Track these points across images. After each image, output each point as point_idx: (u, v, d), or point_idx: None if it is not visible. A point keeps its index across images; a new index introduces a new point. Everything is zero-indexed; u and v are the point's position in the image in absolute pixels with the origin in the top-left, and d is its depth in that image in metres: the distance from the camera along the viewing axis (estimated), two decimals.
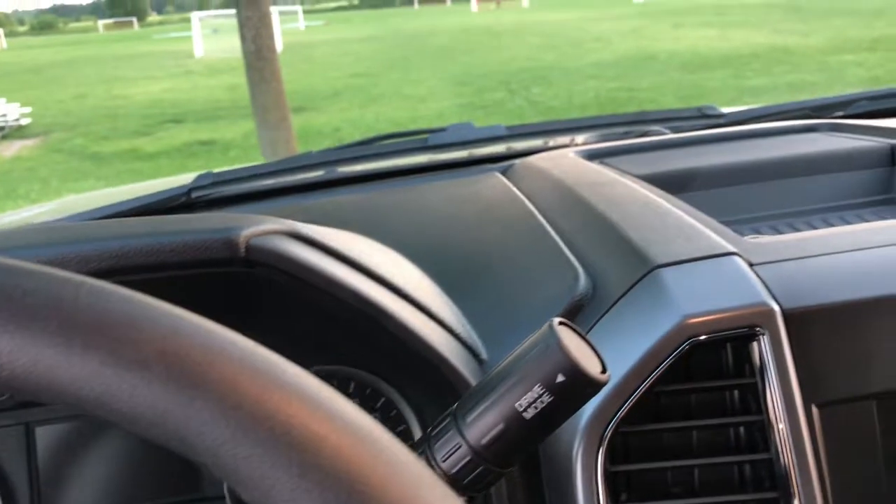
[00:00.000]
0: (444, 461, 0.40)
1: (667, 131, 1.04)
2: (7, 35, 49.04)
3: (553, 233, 0.68)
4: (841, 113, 1.11)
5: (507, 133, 1.07)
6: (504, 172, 0.92)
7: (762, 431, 0.49)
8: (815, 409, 0.49)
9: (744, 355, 0.50)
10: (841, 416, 0.49)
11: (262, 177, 1.02)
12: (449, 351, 0.52)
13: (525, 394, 0.38)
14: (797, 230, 0.77)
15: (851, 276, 0.53)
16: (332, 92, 10.99)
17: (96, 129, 9.56)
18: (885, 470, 0.49)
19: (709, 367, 0.51)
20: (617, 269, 0.58)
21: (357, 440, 0.25)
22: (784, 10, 20.17)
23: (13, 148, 8.92)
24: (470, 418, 0.40)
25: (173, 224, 0.50)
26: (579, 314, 0.57)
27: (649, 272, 0.54)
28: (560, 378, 0.38)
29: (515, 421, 0.39)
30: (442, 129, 1.09)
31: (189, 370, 0.24)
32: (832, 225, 0.78)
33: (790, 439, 0.48)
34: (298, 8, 39.31)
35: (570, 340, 0.39)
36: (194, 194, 0.97)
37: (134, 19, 74.22)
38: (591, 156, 0.90)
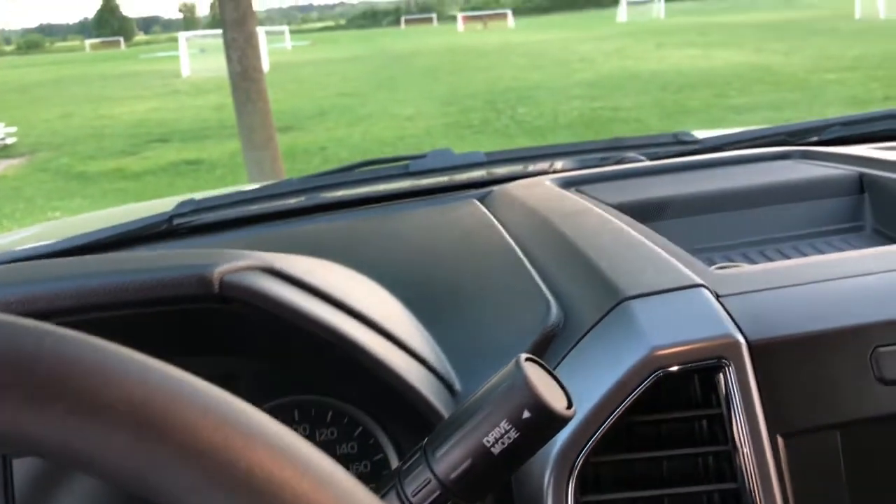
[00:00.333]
0: (414, 496, 0.41)
1: (643, 158, 1.05)
2: None
3: (527, 262, 0.70)
4: (815, 138, 1.13)
5: (486, 160, 1.08)
6: (482, 200, 0.94)
7: (730, 461, 0.50)
8: (780, 439, 0.50)
9: (711, 386, 0.51)
10: (806, 445, 0.50)
11: (244, 203, 1.03)
12: (421, 383, 0.53)
13: (492, 429, 0.39)
14: (768, 258, 0.79)
15: (816, 308, 0.54)
16: (319, 111, 11.03)
17: (82, 148, 9.54)
18: (850, 499, 0.50)
19: (678, 397, 0.52)
20: (587, 300, 0.59)
21: (319, 485, 0.26)
22: (766, 30, 20.50)
23: None
24: (439, 453, 0.41)
25: (149, 261, 0.51)
26: (550, 345, 0.58)
27: (618, 304, 0.56)
28: (526, 414, 0.39)
29: (483, 456, 0.39)
30: (422, 156, 1.10)
31: (153, 418, 0.25)
32: (803, 253, 0.79)
33: (756, 469, 0.49)
34: (285, 28, 39.50)
35: (537, 376, 0.40)
36: (176, 221, 0.98)
37: (121, 39, 74.27)
38: (567, 183, 0.91)
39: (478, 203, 0.92)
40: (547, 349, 0.57)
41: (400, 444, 0.65)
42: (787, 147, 1.02)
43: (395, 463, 0.65)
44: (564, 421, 0.39)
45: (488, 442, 0.39)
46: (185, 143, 9.35)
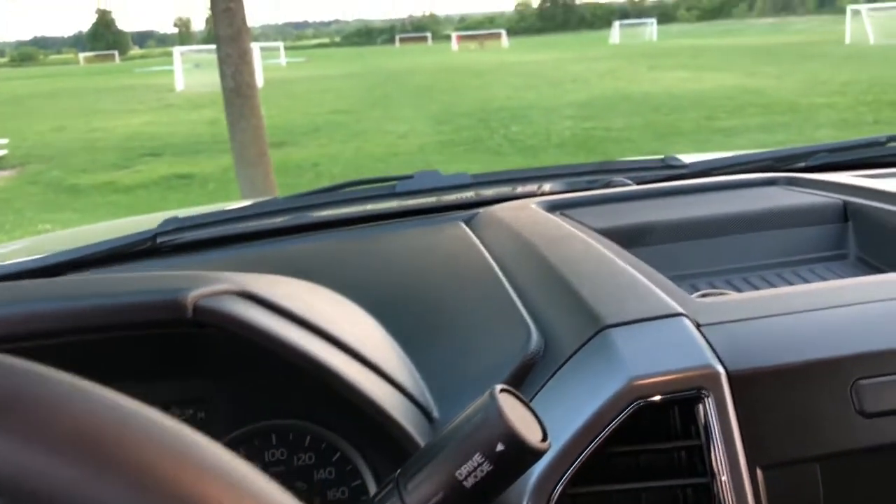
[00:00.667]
0: None
1: (630, 182, 1.05)
2: None
3: (509, 288, 0.69)
4: (802, 164, 1.14)
5: (473, 181, 1.08)
6: (468, 222, 0.93)
7: (709, 493, 0.49)
8: (759, 471, 0.49)
9: (690, 416, 0.51)
10: (785, 478, 0.50)
11: (229, 222, 1.02)
12: (397, 410, 0.52)
13: (465, 462, 0.39)
14: (752, 285, 0.79)
15: (796, 338, 0.54)
16: (313, 127, 11.05)
17: (74, 161, 9.51)
18: None
19: (657, 427, 0.52)
20: (568, 328, 0.59)
21: None
22: (757, 54, 20.73)
23: None
24: (411, 485, 0.40)
25: (123, 284, 0.50)
26: (530, 373, 0.57)
27: (599, 332, 0.55)
28: (500, 447, 0.38)
29: (455, 490, 0.39)
30: (409, 177, 1.10)
31: (103, 451, 0.24)
32: (787, 280, 0.79)
33: (735, 501, 0.48)
34: (280, 44, 39.67)
35: (511, 408, 0.39)
36: (159, 239, 0.97)
37: (115, 53, 74.34)
38: (553, 207, 0.91)
39: (463, 225, 0.92)
40: (527, 376, 0.57)
41: (378, 471, 0.64)
42: (772, 173, 1.02)
43: (373, 489, 0.65)
44: (539, 454, 0.39)
45: (460, 475, 0.39)
46: (177, 157, 9.33)
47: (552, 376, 0.55)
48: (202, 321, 0.47)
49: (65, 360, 0.34)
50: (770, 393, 0.51)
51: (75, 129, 12.76)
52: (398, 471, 0.42)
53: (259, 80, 5.74)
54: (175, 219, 1.01)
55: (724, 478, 0.48)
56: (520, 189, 1.10)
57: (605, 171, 1.13)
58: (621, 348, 0.53)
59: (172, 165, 8.79)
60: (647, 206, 0.90)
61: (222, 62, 5.03)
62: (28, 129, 12.80)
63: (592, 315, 0.57)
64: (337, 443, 0.65)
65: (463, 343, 0.64)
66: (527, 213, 0.87)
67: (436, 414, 0.57)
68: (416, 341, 0.65)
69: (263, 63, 20.94)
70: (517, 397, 0.41)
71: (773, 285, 0.79)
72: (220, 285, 0.48)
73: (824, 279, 0.79)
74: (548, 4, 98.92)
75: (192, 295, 0.47)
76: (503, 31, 50.20)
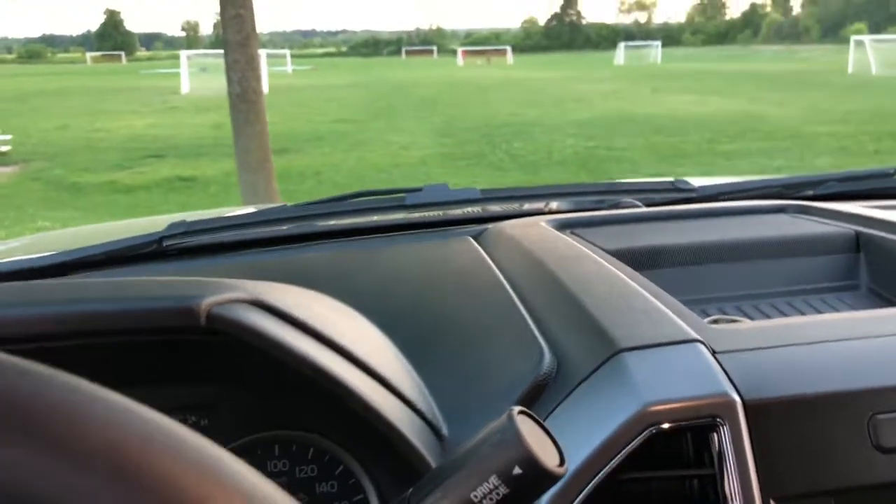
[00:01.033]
0: None
1: (639, 203, 1.05)
2: None
3: (521, 306, 0.68)
4: (810, 192, 1.13)
5: (481, 196, 1.07)
6: (476, 237, 0.93)
7: None
8: (772, 503, 0.49)
9: (704, 445, 0.50)
10: None
11: (236, 228, 1.02)
12: (407, 428, 0.52)
13: (480, 484, 0.38)
14: (763, 312, 0.78)
15: (814, 369, 0.53)
16: (316, 136, 11.07)
17: (77, 159, 9.50)
18: None
19: (670, 454, 0.51)
20: (581, 350, 0.58)
21: None
22: (760, 81, 20.84)
23: None
24: None
25: (137, 289, 0.50)
26: (542, 394, 0.56)
27: (613, 355, 0.55)
28: (517, 470, 0.37)
29: None
30: (418, 189, 1.09)
31: (129, 465, 0.23)
32: (797, 309, 0.79)
33: None
34: (287, 52, 39.81)
35: (529, 431, 0.39)
36: (166, 243, 0.96)
37: (122, 53, 74.61)
38: (563, 225, 0.91)
39: (472, 240, 0.91)
40: (539, 398, 0.56)
41: (381, 487, 0.63)
42: (783, 201, 1.02)
43: None
44: (556, 479, 0.38)
45: (476, 497, 0.38)
46: (180, 159, 9.33)
47: (564, 399, 0.54)
48: (215, 329, 0.46)
49: (71, 362, 0.34)
50: (786, 424, 0.50)
51: (79, 127, 12.77)
52: (410, 489, 0.41)
53: (265, 87, 5.74)
54: (182, 222, 1.01)
55: None
56: (528, 206, 1.09)
57: (614, 191, 1.12)
58: (636, 373, 0.52)
59: (175, 167, 8.79)
60: (656, 229, 0.90)
61: (229, 67, 5.05)
62: (32, 126, 12.81)
63: (607, 338, 0.57)
64: (340, 456, 0.64)
65: (473, 360, 0.63)
66: (536, 231, 0.87)
67: (445, 431, 0.56)
68: (425, 357, 0.64)
69: (270, 70, 21.00)
70: (535, 420, 0.40)
71: (783, 314, 0.78)
72: (233, 293, 0.47)
73: (836, 310, 0.78)
74: (554, 23, 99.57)
75: (206, 302, 0.46)
76: (508, 48, 50.53)
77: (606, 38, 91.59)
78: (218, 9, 5.07)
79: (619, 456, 0.48)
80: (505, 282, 0.75)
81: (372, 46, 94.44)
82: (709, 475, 0.49)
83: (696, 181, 1.18)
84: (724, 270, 0.83)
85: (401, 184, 7.46)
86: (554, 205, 1.09)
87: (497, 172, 8.15)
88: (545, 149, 9.48)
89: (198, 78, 19.71)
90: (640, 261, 0.80)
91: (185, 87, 19.39)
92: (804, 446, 0.50)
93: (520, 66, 37.08)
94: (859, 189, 1.13)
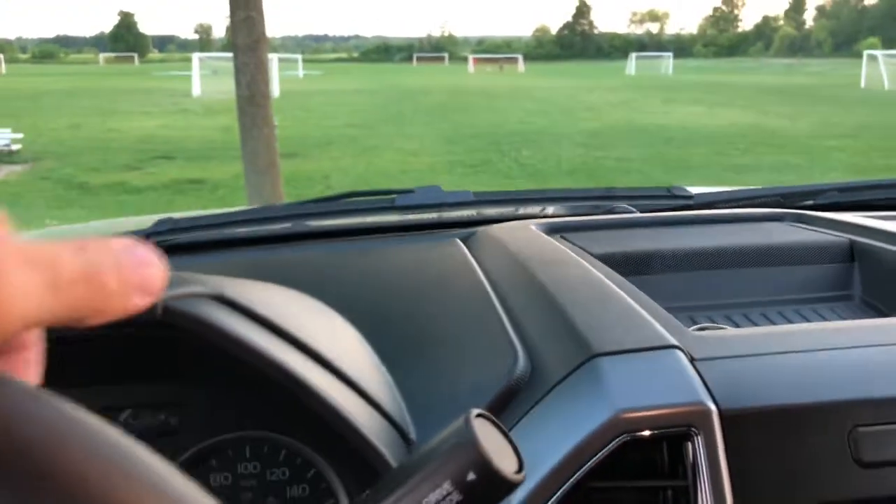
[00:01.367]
0: None
1: (633, 209, 1.04)
2: (8, 61, 49.39)
3: (500, 309, 0.67)
4: (810, 202, 1.12)
5: (474, 199, 1.06)
6: (465, 240, 0.92)
7: None
8: None
9: (679, 455, 0.49)
10: None
11: (223, 226, 1.01)
12: (371, 430, 0.50)
13: (433, 490, 0.36)
14: (752, 321, 0.77)
15: (794, 379, 0.51)
16: (326, 140, 11.09)
17: (87, 159, 9.55)
18: None
19: (644, 464, 0.49)
20: (557, 354, 0.56)
21: None
22: (772, 94, 20.79)
23: (1, 172, 8.88)
24: None
25: None
26: (515, 398, 0.55)
27: (588, 360, 0.53)
28: (471, 476, 0.36)
29: None
30: (410, 191, 1.08)
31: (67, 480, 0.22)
32: (788, 319, 0.77)
33: None
34: (298, 56, 39.98)
35: (487, 435, 0.37)
36: (152, 239, 0.96)
37: (135, 55, 75.11)
38: (553, 230, 0.89)
39: (460, 243, 0.90)
40: (511, 401, 0.55)
41: (352, 491, 0.62)
42: (780, 209, 1.00)
43: None
44: (512, 486, 0.36)
45: (428, 503, 0.36)
46: (189, 161, 9.37)
47: (537, 403, 0.53)
48: (171, 322, 0.45)
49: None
50: (763, 435, 0.48)
51: (90, 127, 12.84)
52: (365, 493, 0.40)
53: (275, 91, 5.77)
54: (169, 219, 1.00)
55: None
56: (522, 210, 1.08)
57: (610, 197, 1.11)
58: (610, 378, 0.51)
59: (184, 169, 8.82)
60: (649, 235, 0.88)
61: (238, 71, 5.06)
62: (44, 125, 12.90)
63: (582, 342, 0.55)
64: (312, 459, 0.63)
65: (447, 363, 0.62)
66: (525, 234, 0.86)
67: (413, 435, 0.55)
68: (400, 359, 0.63)
69: (281, 74, 21.09)
70: (494, 424, 0.39)
71: (773, 322, 0.76)
72: (193, 287, 0.46)
73: (827, 320, 0.76)
74: (566, 32, 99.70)
75: (163, 296, 0.45)
76: (520, 56, 50.61)
77: (618, 48, 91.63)
78: (229, 12, 5.09)
79: (588, 464, 0.47)
80: (487, 285, 0.73)
81: (383, 52, 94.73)
82: (682, 486, 0.48)
83: (694, 189, 1.16)
84: (715, 277, 0.81)
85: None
86: (548, 209, 1.08)
87: (505, 180, 8.13)
88: (554, 158, 9.46)
89: (209, 80, 19.80)
90: (630, 266, 0.79)
91: (197, 89, 19.48)
92: (782, 459, 0.48)
93: (531, 75, 37.12)
94: (859, 199, 1.11)
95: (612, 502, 0.49)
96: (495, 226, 0.92)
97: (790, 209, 1.02)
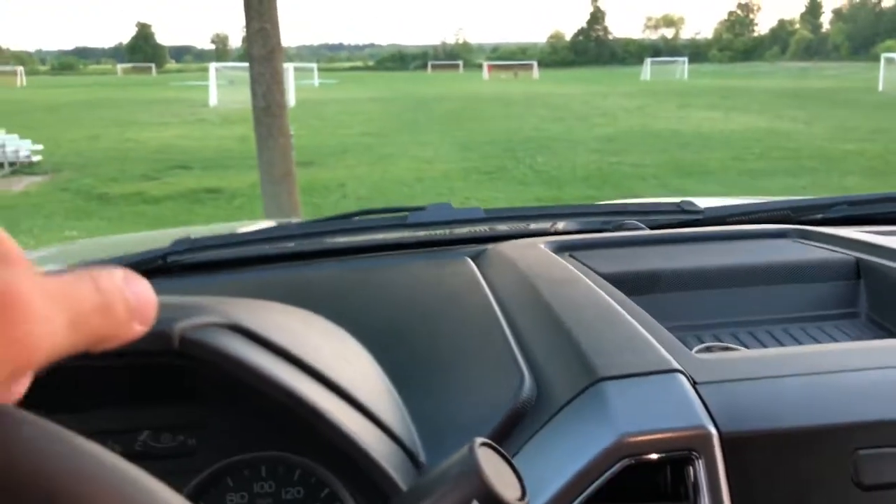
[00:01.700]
0: None
1: (642, 225, 1.05)
2: (28, 73, 50.13)
3: (508, 331, 0.68)
4: (819, 216, 1.12)
5: (484, 216, 1.08)
6: (475, 258, 0.93)
7: None
8: None
9: (682, 478, 0.50)
10: None
11: (240, 245, 1.03)
12: (381, 455, 0.52)
13: None
14: (758, 340, 0.77)
15: (795, 402, 0.52)
16: (341, 149, 11.16)
17: (105, 170, 9.67)
18: None
19: (646, 487, 0.50)
20: (562, 377, 0.58)
21: None
22: (788, 98, 20.65)
23: (21, 184, 9.01)
24: None
25: None
26: (521, 421, 0.56)
27: (593, 384, 0.54)
28: None
29: None
30: (421, 209, 1.10)
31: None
32: (794, 337, 0.78)
33: None
34: (314, 66, 40.24)
35: (490, 464, 0.38)
36: (170, 259, 0.98)
37: (153, 66, 75.96)
38: (561, 248, 0.90)
39: (469, 261, 0.92)
40: (517, 425, 0.56)
41: None
42: (785, 225, 1.01)
43: None
44: None
45: None
46: (206, 171, 9.46)
47: (543, 426, 0.54)
48: (188, 353, 0.47)
49: (51, 382, 0.34)
50: (764, 458, 0.49)
51: (109, 138, 13.01)
52: None
53: (291, 100, 5.83)
54: (187, 239, 1.02)
55: None
56: (532, 226, 1.09)
57: (620, 212, 1.12)
58: (614, 403, 0.52)
59: (201, 179, 8.91)
60: (657, 253, 0.89)
61: (254, 81, 5.12)
62: (63, 136, 13.07)
63: (587, 366, 0.56)
64: (326, 479, 0.64)
65: (455, 386, 0.63)
66: (534, 253, 0.87)
67: (422, 458, 0.56)
68: (409, 380, 0.64)
69: (297, 84, 21.22)
70: (498, 452, 0.40)
71: (779, 341, 0.77)
72: (208, 317, 0.48)
73: (833, 338, 0.77)
74: (580, 38, 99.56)
75: (179, 326, 0.46)
76: (534, 63, 50.61)
77: (633, 53, 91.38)
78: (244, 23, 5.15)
79: (593, 486, 0.48)
80: (496, 304, 0.75)
81: (398, 60, 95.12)
82: None
83: (704, 202, 1.17)
84: (721, 296, 0.82)
85: (423, 197, 7.48)
86: (558, 225, 1.09)
87: (520, 187, 8.15)
88: (569, 164, 9.46)
89: (226, 90, 19.98)
90: (636, 285, 0.80)
91: (213, 99, 19.67)
92: (783, 482, 0.49)
93: (545, 81, 37.10)
94: (870, 213, 1.11)
95: None
96: (504, 244, 0.93)
97: (799, 224, 1.02)
